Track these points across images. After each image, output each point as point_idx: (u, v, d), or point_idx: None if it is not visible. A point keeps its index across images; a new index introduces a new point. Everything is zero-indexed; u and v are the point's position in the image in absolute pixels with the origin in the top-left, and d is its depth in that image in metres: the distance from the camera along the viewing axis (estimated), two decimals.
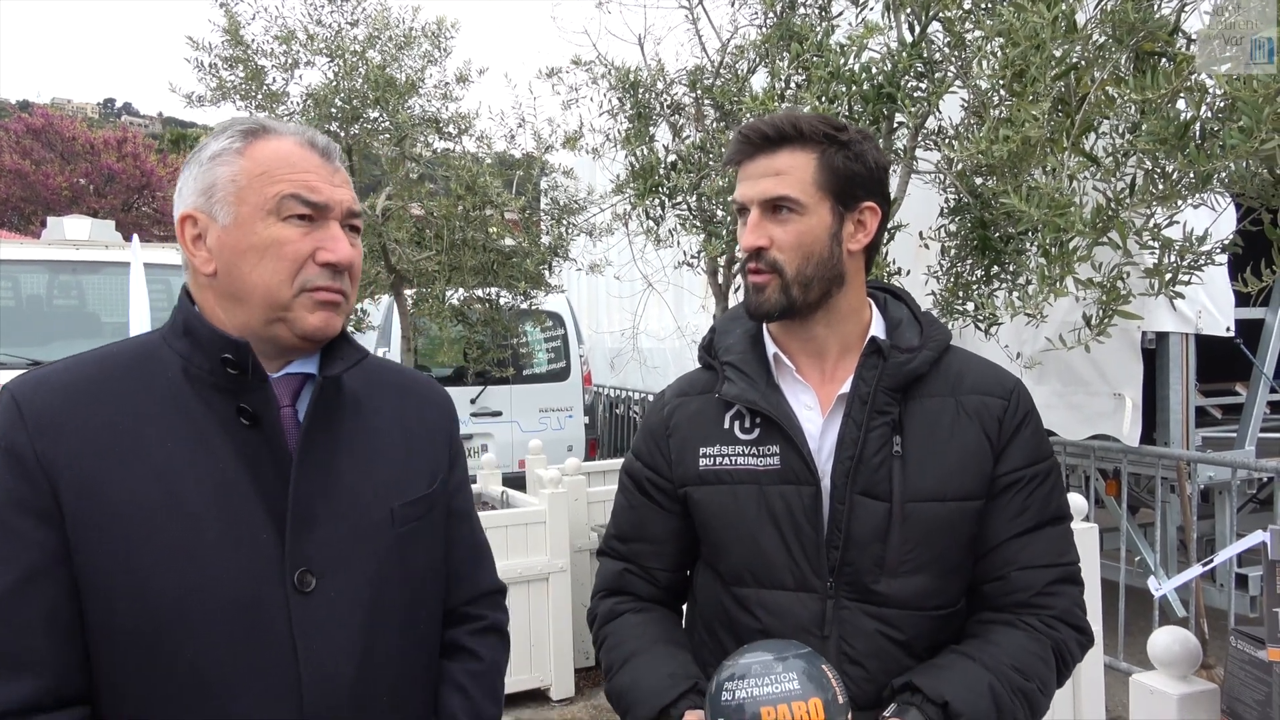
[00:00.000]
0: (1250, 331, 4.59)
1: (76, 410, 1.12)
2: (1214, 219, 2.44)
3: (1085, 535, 3.15)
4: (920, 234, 3.25)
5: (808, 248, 1.36)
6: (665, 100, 4.38)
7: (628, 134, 4.23)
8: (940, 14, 2.82)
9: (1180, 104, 2.17)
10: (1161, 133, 2.05)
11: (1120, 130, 2.30)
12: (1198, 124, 2.07)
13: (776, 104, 3.14)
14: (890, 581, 1.34)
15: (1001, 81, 2.41)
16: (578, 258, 5.62)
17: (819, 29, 3.40)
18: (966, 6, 2.73)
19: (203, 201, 1.19)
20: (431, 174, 5.24)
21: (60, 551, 1.08)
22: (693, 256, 4.47)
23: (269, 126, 1.22)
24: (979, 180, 2.91)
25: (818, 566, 1.35)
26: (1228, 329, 4.37)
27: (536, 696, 4.41)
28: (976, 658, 1.31)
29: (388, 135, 4.83)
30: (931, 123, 3.12)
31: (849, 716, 1.18)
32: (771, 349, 1.45)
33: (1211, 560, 2.15)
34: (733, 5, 4.26)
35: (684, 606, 1.59)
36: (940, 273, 3.24)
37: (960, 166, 2.85)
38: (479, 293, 5.29)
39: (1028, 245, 2.92)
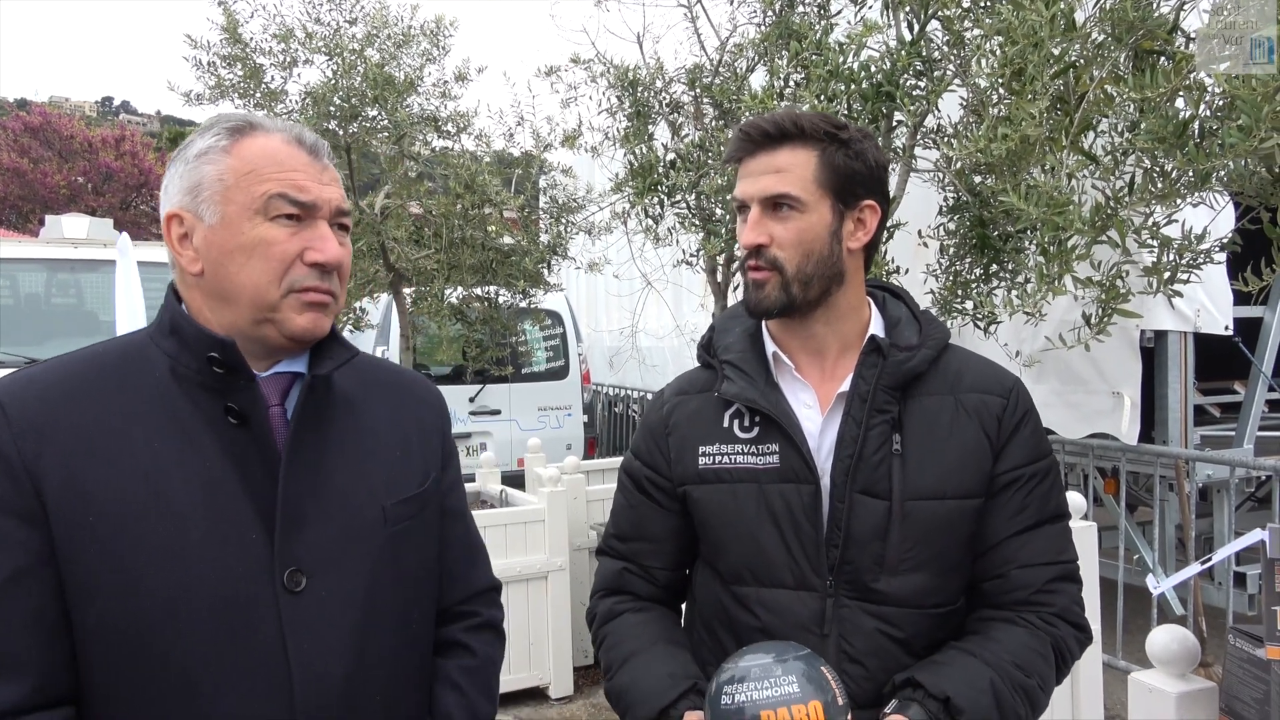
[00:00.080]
0: (1249, 330, 4.60)
1: (62, 410, 1.11)
2: (1213, 217, 2.44)
3: (1084, 533, 3.15)
4: (919, 232, 3.25)
5: (808, 245, 1.36)
6: (664, 99, 4.38)
7: (626, 132, 4.23)
8: (939, 12, 2.81)
9: (1179, 102, 2.17)
10: (1160, 131, 2.05)
11: (1119, 129, 2.31)
12: (1196, 122, 2.08)
13: (775, 102, 3.14)
14: (890, 580, 1.34)
15: (1000, 80, 2.41)
16: (576, 256, 5.62)
17: (818, 27, 3.40)
18: (965, 5, 2.73)
19: (189, 200, 1.17)
20: (430, 172, 5.24)
21: (45, 552, 1.08)
22: (692, 255, 4.47)
23: (256, 123, 1.20)
24: (978, 179, 2.91)
25: (817, 565, 1.36)
26: (1226, 327, 4.37)
27: (535, 695, 4.41)
28: (978, 654, 1.31)
29: (386, 133, 4.83)
30: (930, 121, 3.12)
31: (849, 717, 1.18)
32: (771, 347, 1.45)
33: (1210, 558, 2.15)
34: (731, 4, 4.27)
35: (683, 605, 1.60)
36: (939, 271, 3.24)
37: (959, 165, 2.85)
38: (478, 291, 5.29)
39: (1026, 244, 2.92)
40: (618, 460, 5.56)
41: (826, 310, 1.41)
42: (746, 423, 1.41)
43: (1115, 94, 2.21)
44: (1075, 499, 3.15)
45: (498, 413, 7.21)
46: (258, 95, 4.74)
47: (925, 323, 1.45)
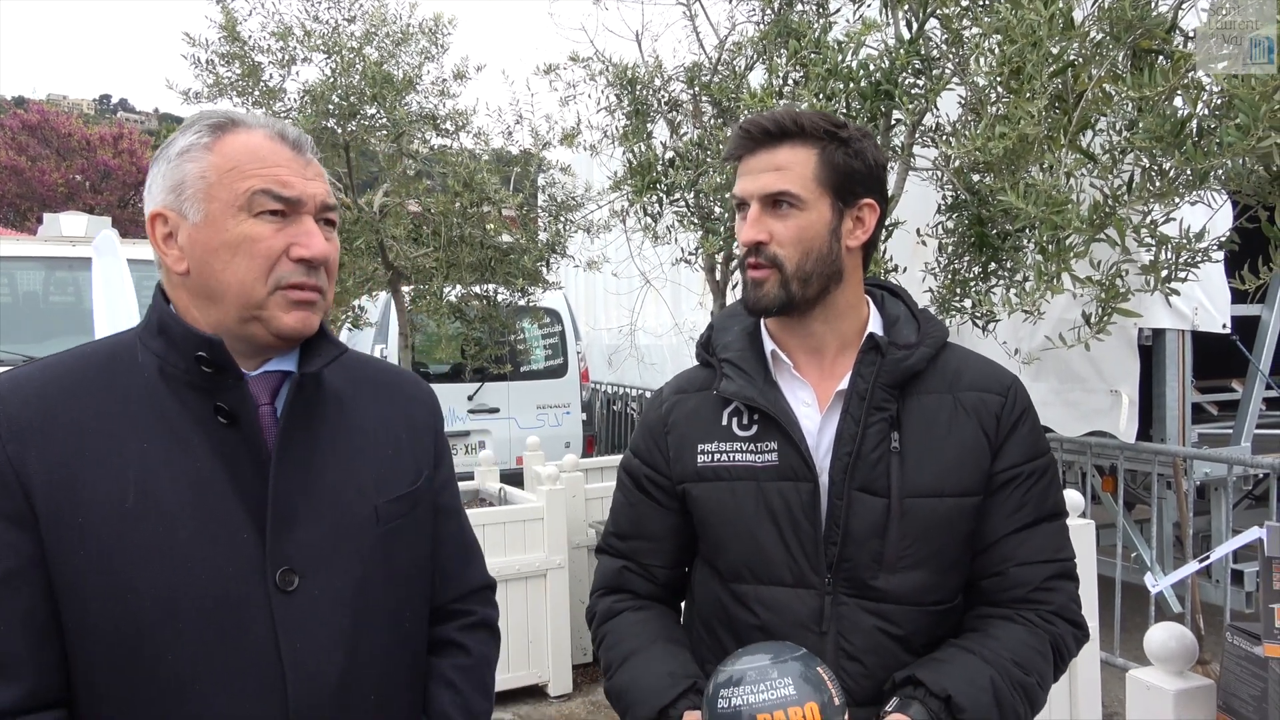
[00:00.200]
0: (1246, 328, 4.60)
1: (49, 411, 1.11)
2: (1211, 216, 2.44)
3: (1082, 531, 3.16)
4: (918, 231, 3.25)
5: (807, 243, 1.36)
6: (663, 97, 4.38)
7: (625, 131, 4.23)
8: (938, 11, 2.82)
9: (1177, 101, 2.17)
10: (1158, 130, 2.05)
11: (1117, 127, 2.31)
12: (1195, 121, 2.08)
13: (774, 101, 3.14)
14: (888, 577, 1.35)
15: (999, 78, 2.41)
16: (575, 254, 5.61)
17: (816, 26, 3.40)
18: (964, 3, 2.73)
19: (172, 199, 1.17)
20: (429, 171, 5.24)
21: (35, 554, 1.07)
22: (690, 253, 4.47)
23: (238, 120, 1.20)
24: (976, 177, 2.92)
25: (816, 563, 1.36)
26: (1224, 326, 4.38)
27: (534, 693, 4.41)
28: (977, 652, 1.32)
29: (385, 132, 4.82)
30: (929, 120, 3.12)
31: (846, 717, 1.19)
32: (769, 346, 1.45)
33: (1208, 556, 2.16)
34: (730, 2, 4.27)
35: (683, 604, 1.60)
36: (938, 270, 3.24)
37: (957, 163, 2.85)
38: (476, 289, 5.28)
39: (1025, 242, 2.92)
40: (616, 458, 5.56)
41: (825, 308, 1.41)
42: (745, 421, 1.41)
43: (1113, 93, 2.21)
44: (1073, 497, 3.15)
45: (496, 411, 7.21)
46: (256, 93, 4.73)
47: (924, 321, 1.45)
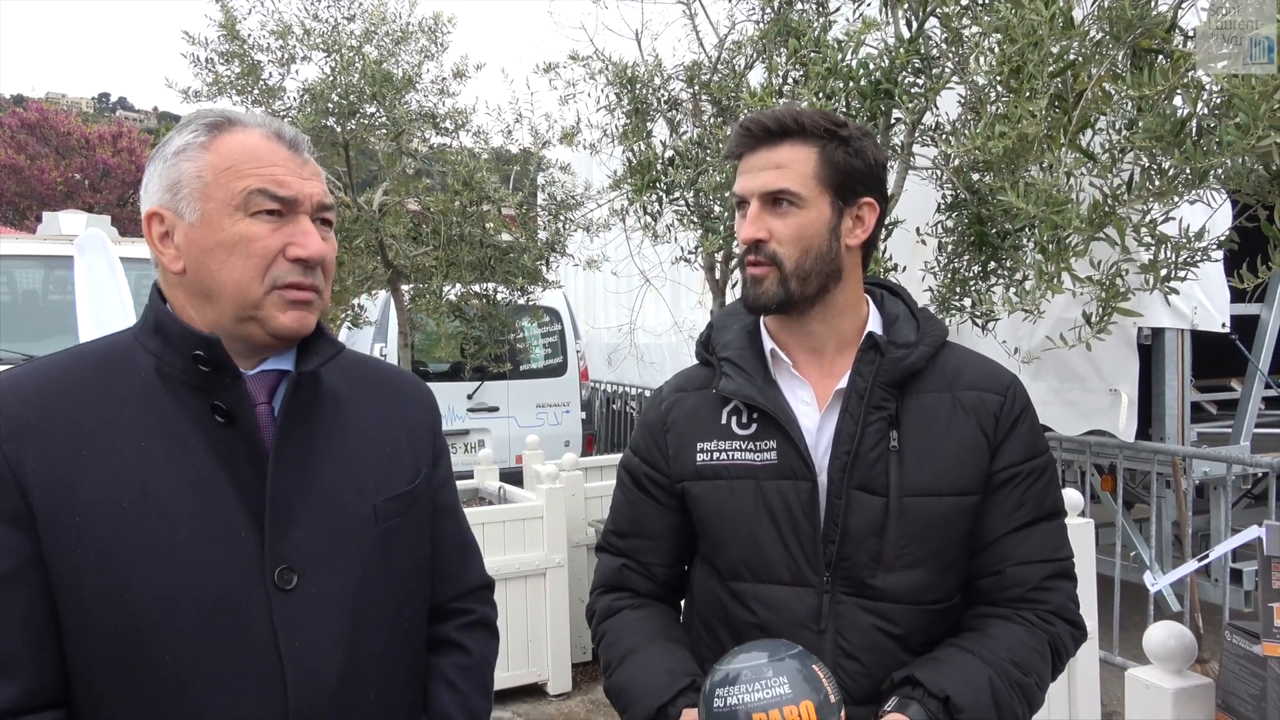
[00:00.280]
0: (1246, 327, 4.61)
1: (46, 411, 1.11)
2: (1210, 215, 2.44)
3: (1081, 530, 3.16)
4: (917, 230, 3.25)
5: (807, 241, 1.36)
6: (662, 96, 4.38)
7: (625, 129, 4.22)
8: (938, 10, 2.81)
9: (1177, 100, 2.17)
10: (1158, 129, 2.05)
11: (1117, 127, 2.31)
12: (1194, 120, 2.08)
13: (774, 100, 3.14)
14: (887, 576, 1.35)
15: (999, 78, 2.41)
16: (575, 253, 5.61)
17: (816, 24, 3.40)
18: (964, 2, 2.73)
19: (168, 198, 1.17)
20: (428, 169, 5.24)
21: (33, 554, 1.07)
22: (690, 252, 4.47)
23: (234, 119, 1.19)
24: (976, 176, 2.92)
25: (814, 561, 1.36)
26: (1223, 325, 4.38)
27: (534, 691, 4.42)
28: (975, 651, 1.32)
29: (384, 130, 4.82)
30: (929, 119, 3.12)
31: (842, 715, 1.19)
32: (769, 344, 1.45)
33: (1207, 555, 2.16)
34: (730, 1, 4.26)
35: (682, 602, 1.60)
36: (937, 269, 3.24)
37: (957, 162, 2.85)
38: (476, 288, 5.28)
39: (1025, 241, 2.92)
40: (616, 457, 5.56)
41: (824, 307, 1.41)
42: (744, 419, 1.42)
43: (1113, 92, 2.21)
44: (1072, 496, 3.16)
45: (496, 410, 7.21)
46: (255, 92, 4.73)
47: (923, 320, 1.46)
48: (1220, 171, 2.12)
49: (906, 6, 2.96)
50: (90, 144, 22.74)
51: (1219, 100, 2.09)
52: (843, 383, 1.39)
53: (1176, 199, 2.27)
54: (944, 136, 3.04)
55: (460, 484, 4.01)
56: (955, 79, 2.88)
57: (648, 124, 4.26)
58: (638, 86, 4.29)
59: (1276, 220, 2.07)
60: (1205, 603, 4.40)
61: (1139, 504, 4.99)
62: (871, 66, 2.93)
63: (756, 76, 3.95)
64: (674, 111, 4.40)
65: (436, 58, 4.98)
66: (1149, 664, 1.92)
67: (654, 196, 3.88)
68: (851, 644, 1.35)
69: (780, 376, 1.43)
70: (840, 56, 2.96)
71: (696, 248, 4.34)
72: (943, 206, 3.18)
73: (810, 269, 1.37)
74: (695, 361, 1.55)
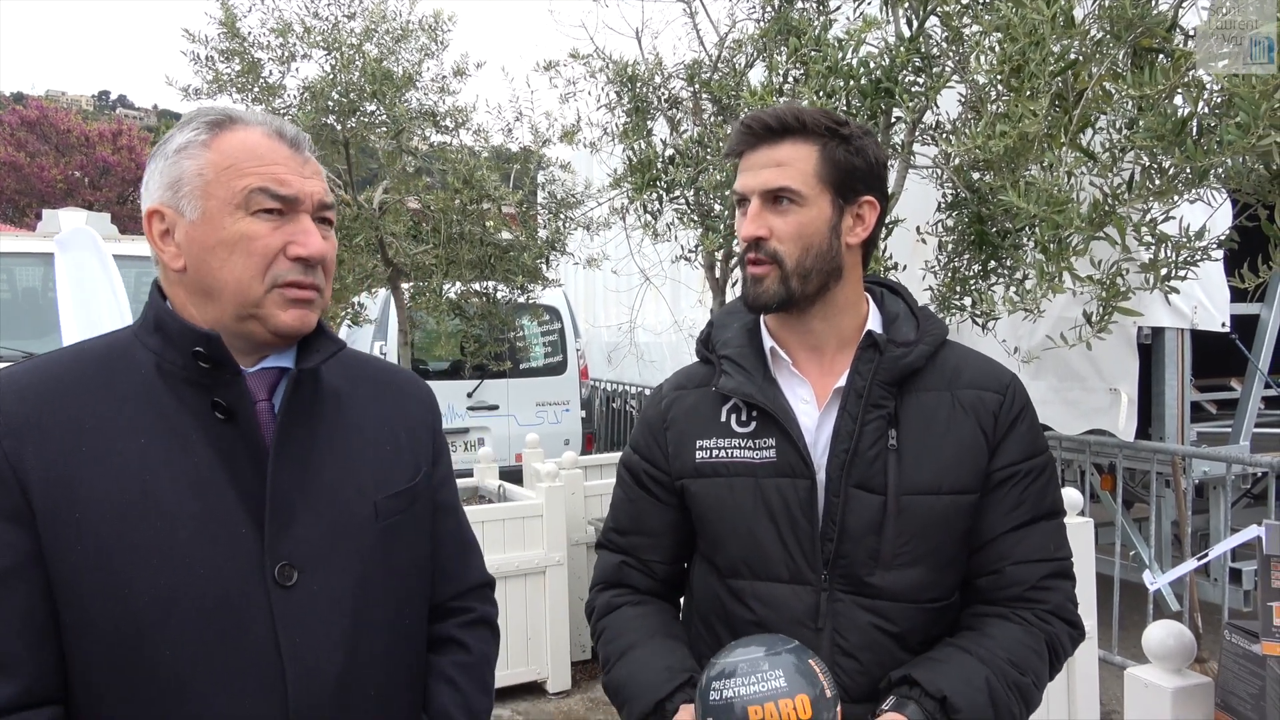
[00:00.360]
0: (1245, 327, 4.61)
1: (47, 409, 1.10)
2: (1210, 214, 2.44)
3: (1080, 530, 3.16)
4: (918, 229, 3.25)
5: (807, 239, 1.36)
6: (663, 94, 4.38)
7: (625, 128, 4.22)
8: (938, 8, 2.81)
9: (1178, 100, 2.17)
10: (1159, 128, 2.05)
11: (1118, 126, 2.31)
12: (1195, 120, 2.08)
13: (774, 98, 3.14)
14: (884, 574, 1.35)
15: (999, 77, 2.41)
16: (575, 252, 5.61)
17: (817, 23, 3.39)
18: (964, 1, 2.73)
19: (169, 196, 1.17)
20: (428, 168, 5.23)
21: (33, 552, 1.07)
22: (690, 251, 4.47)
23: (235, 117, 1.19)
24: (976, 175, 2.92)
25: (812, 559, 1.36)
26: (1223, 324, 4.38)
27: (533, 689, 4.42)
28: (973, 651, 1.32)
29: (385, 129, 4.82)
30: (929, 118, 3.12)
31: (838, 710, 1.19)
32: (769, 343, 1.45)
33: (1206, 555, 2.16)
34: None
35: (682, 600, 1.60)
36: (937, 268, 3.24)
37: (958, 162, 2.85)
38: (476, 286, 5.28)
39: (1025, 240, 2.92)
40: (616, 455, 5.56)
41: (824, 305, 1.41)
42: (744, 417, 1.42)
43: (1114, 91, 2.21)
44: (1072, 495, 3.16)
45: (496, 408, 7.21)
46: (255, 90, 4.72)
47: (923, 319, 1.46)
48: (1221, 171, 2.12)
49: (907, 5, 2.96)
50: (90, 142, 22.74)
51: (1220, 99, 2.09)
52: (842, 381, 1.39)
53: (1177, 198, 2.27)
54: (944, 135, 3.04)
55: (460, 482, 4.01)
56: (956, 78, 2.88)
57: (648, 122, 4.25)
58: (638, 85, 4.29)
59: (1277, 219, 2.07)
60: (1204, 602, 4.40)
61: (1138, 503, 5.00)
62: (872, 65, 2.93)
63: (757, 75, 3.95)
64: (674, 110, 4.40)
65: (437, 56, 4.97)
66: (1148, 663, 1.93)
67: (654, 195, 3.88)
68: (849, 642, 1.35)
69: (780, 375, 1.43)
70: (841, 55, 2.96)
71: (697, 246, 4.33)
72: (943, 205, 3.18)
73: (810, 267, 1.37)
74: (695, 359, 1.55)
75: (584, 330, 8.46)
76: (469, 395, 7.08)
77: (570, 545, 4.53)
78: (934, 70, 2.91)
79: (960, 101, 2.98)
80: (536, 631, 4.37)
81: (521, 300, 5.48)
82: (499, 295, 5.37)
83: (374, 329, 6.82)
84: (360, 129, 4.82)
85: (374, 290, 5.92)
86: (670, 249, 4.62)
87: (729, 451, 1.41)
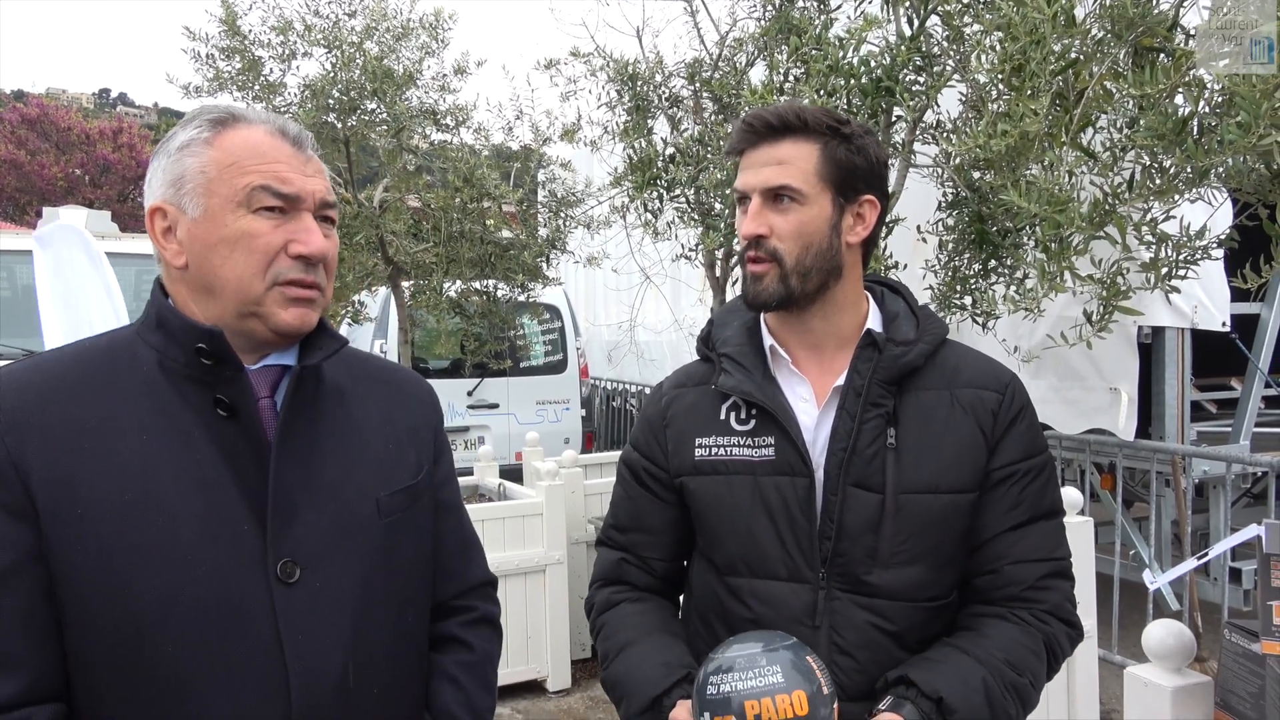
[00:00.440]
0: (1246, 326, 4.61)
1: (49, 407, 1.10)
2: (1211, 214, 2.44)
3: (1080, 529, 3.16)
4: (918, 228, 3.25)
5: (808, 237, 1.36)
6: (663, 93, 4.38)
7: (626, 126, 4.22)
8: (939, 8, 2.81)
9: (1178, 99, 2.17)
10: (1159, 128, 2.05)
11: (1118, 125, 2.31)
12: (1196, 119, 2.08)
13: (775, 97, 3.13)
14: (882, 573, 1.35)
15: (1000, 76, 2.41)
16: (575, 250, 5.61)
17: (818, 22, 3.39)
18: (965, 0, 2.73)
19: (172, 193, 1.17)
20: (429, 166, 5.23)
21: (36, 549, 1.07)
22: (690, 249, 4.47)
23: (238, 115, 1.20)
24: (977, 174, 2.91)
25: (810, 557, 1.36)
26: (1224, 324, 4.38)
27: (533, 688, 4.42)
28: (970, 651, 1.32)
29: (385, 127, 4.81)
30: (930, 117, 3.12)
31: (835, 707, 1.19)
32: (768, 341, 1.45)
33: (1206, 554, 2.16)
34: None
35: (681, 597, 1.60)
36: (938, 267, 3.24)
37: (958, 161, 2.85)
38: (476, 285, 5.28)
39: (1025, 240, 2.92)
40: (616, 454, 5.56)
41: (824, 304, 1.41)
42: (743, 415, 1.42)
43: (1115, 90, 2.21)
44: (1071, 494, 3.16)
45: (496, 406, 7.21)
46: (256, 88, 4.72)
47: (923, 318, 1.46)
48: (1221, 170, 2.12)
49: (908, 4, 2.96)
50: (91, 139, 22.74)
51: (1220, 99, 2.09)
52: (841, 379, 1.39)
53: (1177, 197, 2.27)
54: (945, 134, 3.04)
55: (460, 480, 4.01)
56: (956, 77, 2.88)
57: (648, 121, 4.25)
58: (639, 83, 4.28)
59: (1278, 219, 2.07)
60: (1204, 601, 4.40)
61: (1138, 503, 5.00)
62: (873, 64, 2.93)
63: (758, 74, 3.95)
64: (675, 108, 4.40)
65: (437, 54, 4.97)
66: (1148, 662, 1.93)
67: (654, 193, 3.88)
68: (846, 640, 1.35)
69: (779, 373, 1.44)
70: (841, 54, 2.96)
71: (697, 245, 4.33)
72: (944, 204, 3.18)
73: (811, 265, 1.37)
74: (695, 358, 1.55)
75: (584, 329, 8.46)
76: (469, 394, 7.08)
77: (570, 544, 4.53)
78: (935, 69, 2.91)
79: (961, 100, 2.98)
80: (536, 630, 4.38)
81: (522, 299, 5.48)
82: (499, 294, 5.37)
83: (374, 327, 6.81)
84: (361, 127, 4.81)
85: (374, 288, 5.91)
86: (671, 248, 4.62)
87: (728, 449, 1.41)
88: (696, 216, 4.04)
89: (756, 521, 1.38)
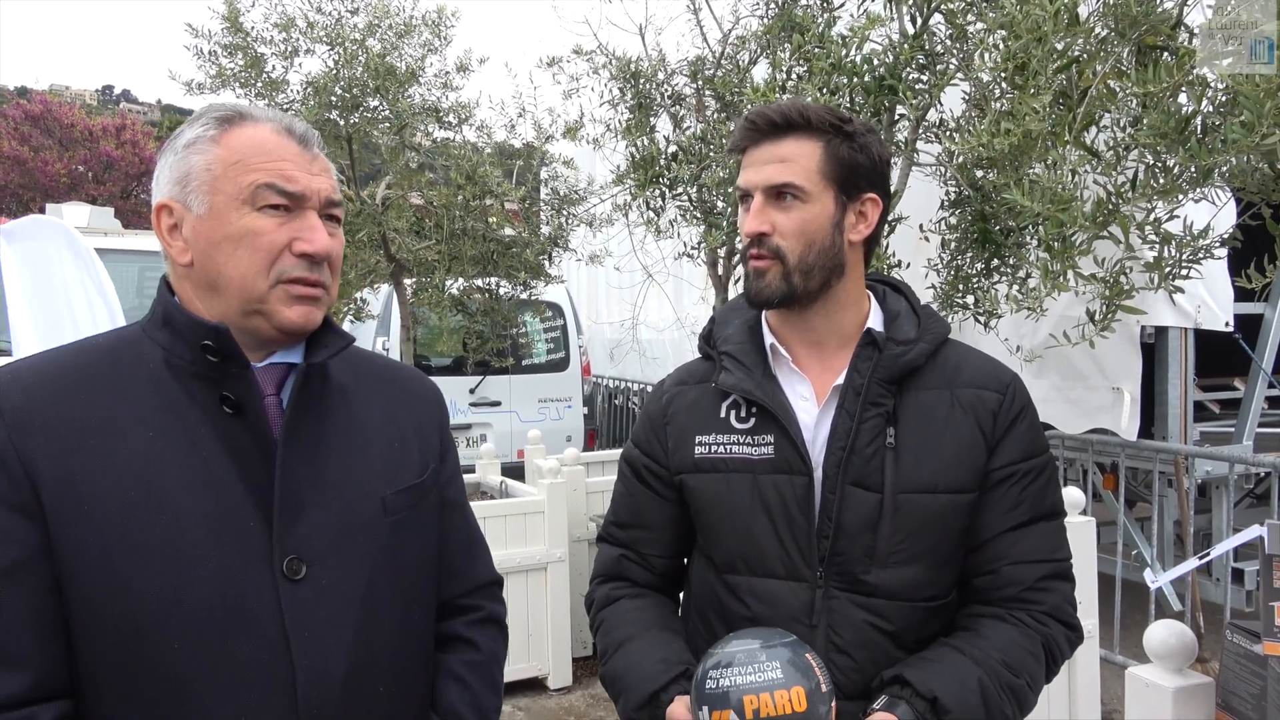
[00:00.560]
0: (1249, 326, 4.60)
1: (55, 405, 1.10)
2: (1214, 213, 2.44)
3: (1082, 529, 3.16)
4: (920, 227, 3.24)
5: (810, 235, 1.36)
6: (666, 91, 4.37)
7: (628, 124, 4.22)
8: (942, 6, 2.81)
9: (1182, 98, 2.17)
10: (1163, 127, 2.04)
11: (1121, 124, 2.30)
12: (1199, 118, 2.07)
13: (778, 95, 3.13)
14: (880, 572, 1.35)
15: (1003, 74, 2.40)
16: (578, 248, 5.61)
17: (820, 20, 3.39)
18: None
19: (178, 191, 1.17)
20: (431, 163, 5.23)
21: (42, 546, 1.07)
22: (693, 248, 4.47)
23: (245, 113, 1.20)
24: (980, 173, 2.91)
25: (808, 556, 1.36)
26: (1227, 324, 4.37)
27: (534, 685, 4.43)
28: (966, 652, 1.32)
29: (388, 124, 4.81)
30: (933, 115, 3.12)
31: (833, 704, 1.19)
32: (769, 339, 1.45)
33: (1208, 554, 2.15)
34: None
35: (681, 594, 1.60)
36: (940, 266, 3.23)
37: (961, 159, 2.84)
38: (478, 282, 5.28)
39: (1028, 239, 2.92)
40: (617, 452, 5.55)
41: (826, 302, 1.41)
42: (743, 413, 1.42)
43: (1118, 89, 2.21)
44: (1074, 494, 3.16)
45: (498, 404, 7.21)
46: (259, 85, 4.72)
47: (925, 317, 1.45)
48: (1225, 169, 2.12)
49: (911, 2, 2.95)
50: (94, 136, 22.75)
51: (1224, 98, 2.09)
52: (841, 378, 1.39)
53: (1181, 197, 2.26)
54: (948, 133, 3.03)
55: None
56: (959, 75, 2.87)
57: (651, 119, 4.25)
58: (641, 81, 4.28)
59: None
60: (1206, 602, 4.40)
61: (1141, 503, 4.99)
62: (875, 62, 2.92)
63: (760, 72, 3.94)
64: (677, 107, 4.39)
65: (440, 51, 4.97)
66: (1149, 663, 1.92)
67: (657, 192, 3.88)
68: (843, 639, 1.35)
69: (780, 371, 1.43)
70: (844, 52, 2.96)
71: (699, 243, 4.33)
72: (946, 203, 3.18)
73: (813, 263, 1.37)
74: (697, 356, 1.55)
75: (586, 327, 8.46)
76: (471, 391, 7.09)
77: (572, 542, 4.53)
78: (938, 68, 2.91)
79: (964, 99, 2.97)
80: (538, 628, 4.38)
81: (524, 296, 5.48)
82: (501, 291, 5.37)
83: (377, 325, 6.82)
84: (363, 124, 4.81)
85: (376, 286, 5.92)
86: (673, 245, 4.62)
87: (727, 447, 1.41)
88: (699, 214, 4.03)
89: (755, 519, 1.38)
